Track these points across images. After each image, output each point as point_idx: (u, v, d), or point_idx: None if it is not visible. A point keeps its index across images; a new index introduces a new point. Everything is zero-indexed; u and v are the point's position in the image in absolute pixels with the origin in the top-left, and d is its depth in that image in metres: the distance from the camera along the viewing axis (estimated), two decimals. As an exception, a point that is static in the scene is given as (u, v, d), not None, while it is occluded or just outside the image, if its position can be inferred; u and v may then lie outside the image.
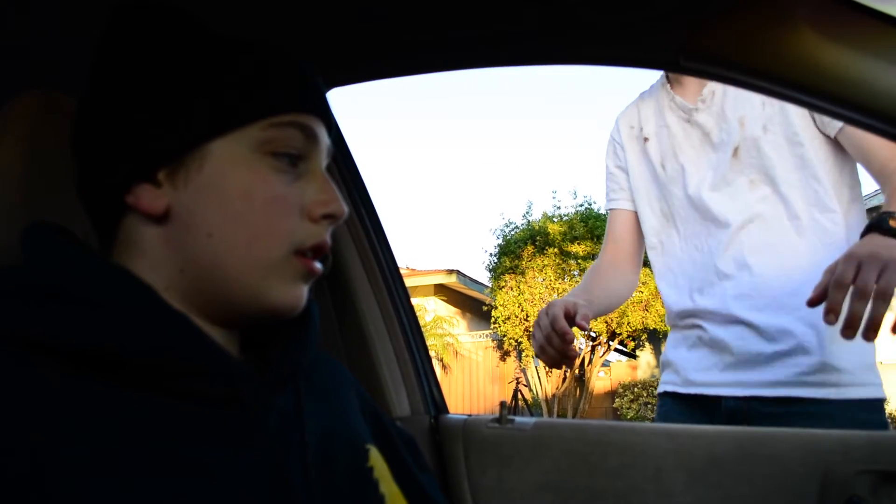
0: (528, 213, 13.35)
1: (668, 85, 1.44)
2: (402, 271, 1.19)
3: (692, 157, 1.39)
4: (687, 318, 1.39)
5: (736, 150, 1.32)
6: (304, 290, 0.63)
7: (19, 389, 0.48)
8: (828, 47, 0.63)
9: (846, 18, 0.61)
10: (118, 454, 0.49)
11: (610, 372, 12.62)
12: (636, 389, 10.88)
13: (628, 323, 10.58)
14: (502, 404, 1.09)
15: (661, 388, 1.44)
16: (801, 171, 1.28)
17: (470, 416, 1.05)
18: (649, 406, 10.36)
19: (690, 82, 1.41)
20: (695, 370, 1.34)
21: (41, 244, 0.57)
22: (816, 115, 1.26)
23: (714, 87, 1.35)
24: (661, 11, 0.70)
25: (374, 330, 1.09)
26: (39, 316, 0.52)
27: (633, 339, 11.26)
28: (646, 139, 1.48)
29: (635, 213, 1.53)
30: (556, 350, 1.14)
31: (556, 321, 1.15)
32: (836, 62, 0.63)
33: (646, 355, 12.48)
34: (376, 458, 0.70)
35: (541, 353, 1.18)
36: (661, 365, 1.46)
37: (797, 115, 1.27)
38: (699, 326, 1.35)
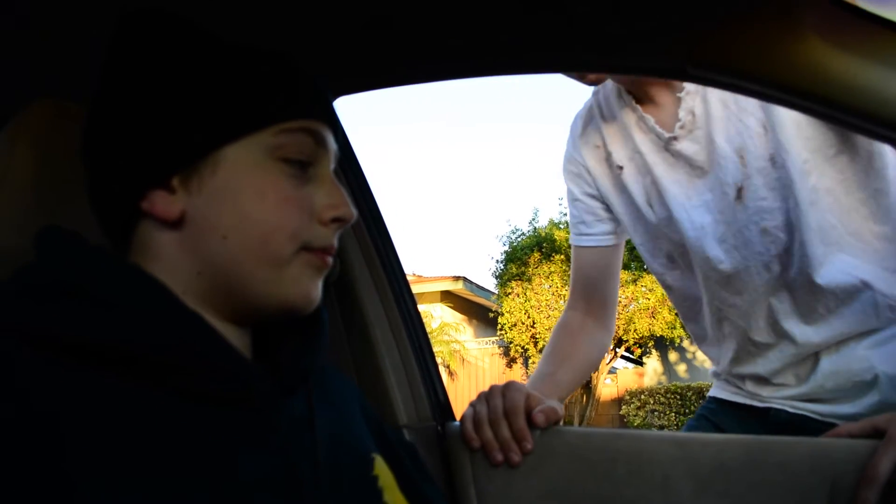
0: (534, 219, 13.40)
1: (631, 98, 1.17)
2: (408, 278, 1.19)
3: (680, 196, 1.13)
4: (727, 374, 1.24)
5: (740, 192, 1.07)
6: (318, 286, 0.65)
7: (30, 385, 0.48)
8: (836, 55, 0.63)
9: (854, 27, 0.61)
10: (129, 451, 0.49)
11: (616, 379, 12.58)
12: (643, 396, 10.84)
13: (635, 330, 10.55)
14: (509, 411, 1.09)
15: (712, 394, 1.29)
16: (827, 199, 1.03)
17: (477, 423, 1.04)
18: (656, 413, 10.32)
19: (660, 96, 1.13)
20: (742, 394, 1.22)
21: (54, 245, 0.58)
22: None
23: (692, 106, 1.09)
24: (667, 19, 0.70)
25: (380, 337, 1.09)
26: (52, 313, 0.52)
27: (640, 346, 11.23)
28: (620, 167, 1.21)
29: (613, 247, 1.30)
30: (500, 441, 0.95)
31: (514, 414, 0.95)
32: (844, 70, 0.63)
33: (652, 362, 12.45)
34: (381, 468, 0.71)
35: (476, 435, 0.97)
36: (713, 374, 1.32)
37: (814, 128, 1.02)
38: (744, 382, 1.20)
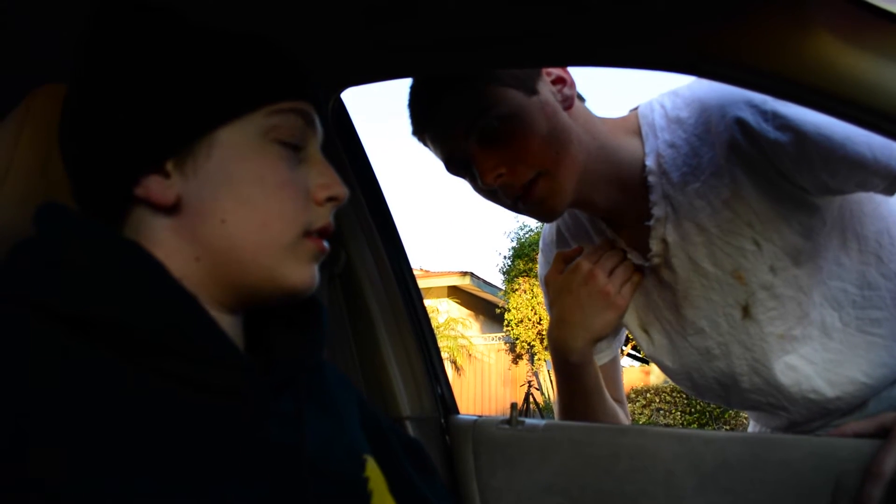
0: (542, 215, 13.30)
1: (601, 221, 1.09)
2: (415, 273, 1.19)
3: (675, 323, 1.07)
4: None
5: (746, 311, 1.00)
6: (316, 270, 0.65)
7: (25, 353, 0.49)
8: (846, 51, 0.63)
9: (864, 22, 0.60)
10: (117, 434, 0.49)
11: (622, 377, 12.55)
12: (649, 395, 10.80)
13: (642, 328, 10.51)
14: (513, 406, 1.09)
15: None
16: (835, 269, 0.98)
17: (480, 416, 1.05)
18: (661, 412, 10.29)
19: (629, 220, 1.04)
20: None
21: (54, 219, 0.58)
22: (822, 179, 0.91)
23: (663, 234, 1.01)
24: (677, 13, 0.69)
25: (385, 329, 1.10)
26: (50, 285, 0.53)
27: (647, 345, 11.18)
28: None
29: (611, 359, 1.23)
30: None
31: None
32: (853, 66, 0.63)
33: (659, 361, 12.40)
34: (372, 469, 0.70)
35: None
36: None
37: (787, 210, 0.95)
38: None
